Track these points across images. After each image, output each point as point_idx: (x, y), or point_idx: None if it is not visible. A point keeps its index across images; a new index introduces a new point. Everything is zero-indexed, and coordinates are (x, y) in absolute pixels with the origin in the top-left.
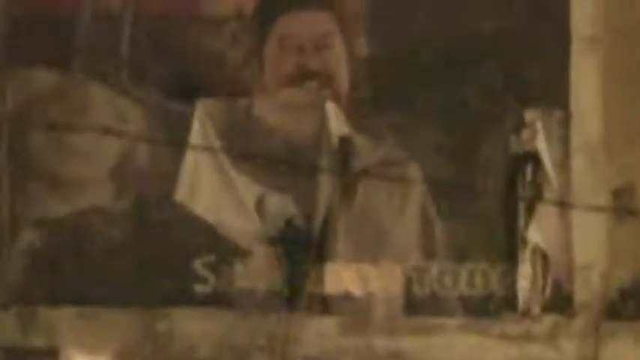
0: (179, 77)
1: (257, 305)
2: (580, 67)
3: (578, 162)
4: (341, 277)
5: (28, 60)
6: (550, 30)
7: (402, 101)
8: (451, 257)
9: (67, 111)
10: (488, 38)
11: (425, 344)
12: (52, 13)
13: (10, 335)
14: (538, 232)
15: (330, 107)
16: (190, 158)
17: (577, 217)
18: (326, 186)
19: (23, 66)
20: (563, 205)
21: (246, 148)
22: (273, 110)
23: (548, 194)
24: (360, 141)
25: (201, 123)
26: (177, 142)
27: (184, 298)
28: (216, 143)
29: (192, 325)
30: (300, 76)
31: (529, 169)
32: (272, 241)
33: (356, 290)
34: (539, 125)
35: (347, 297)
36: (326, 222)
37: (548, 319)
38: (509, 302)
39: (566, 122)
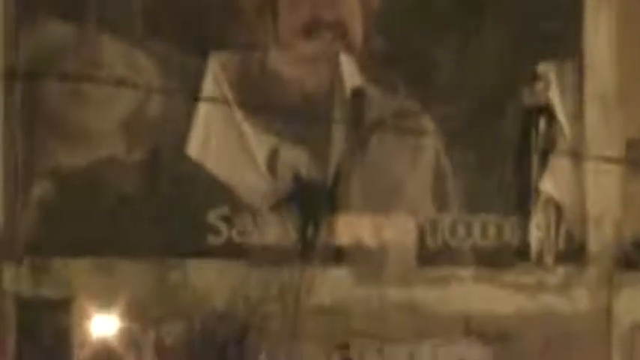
0: (193, 29)
1: (270, 256)
2: (594, 18)
3: (591, 113)
4: (354, 228)
5: (43, 13)
6: None
7: (416, 53)
8: (464, 209)
9: (81, 63)
10: None
11: (438, 294)
12: None
13: (24, 286)
14: (551, 184)
15: (344, 59)
16: (203, 111)
17: (590, 169)
18: (339, 137)
19: (37, 19)
20: (577, 156)
21: (260, 100)
22: (287, 62)
23: (562, 146)
24: (373, 92)
25: (215, 75)
26: (190, 95)
27: (198, 249)
28: (230, 95)
29: (205, 276)
30: (314, 28)
31: (542, 121)
32: (285, 194)
33: (369, 241)
34: (552, 77)
35: (360, 248)
36: (339, 173)
37: (561, 270)
38: (522, 253)
39: (579, 74)
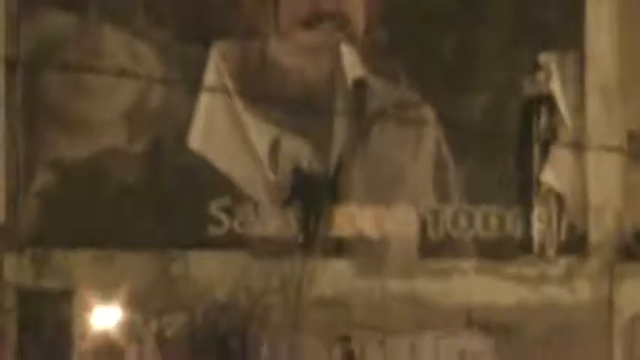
0: (194, 19)
1: (271, 247)
2: (595, 10)
3: (593, 104)
4: (355, 219)
5: (44, 3)
6: None
7: (417, 44)
8: (465, 199)
9: (83, 53)
10: None
11: (439, 286)
12: None
13: (25, 277)
14: (553, 175)
15: (345, 49)
16: (204, 101)
17: (592, 159)
18: (341, 128)
19: (38, 9)
20: (578, 146)
21: (260, 90)
22: (288, 52)
23: (563, 137)
24: (374, 83)
25: (216, 65)
26: (192, 85)
27: (199, 240)
28: (230, 85)
29: (206, 268)
30: (315, 18)
31: (544, 112)
32: (286, 185)
33: (370, 233)
34: (553, 67)
35: (361, 239)
36: (340, 164)
37: (563, 261)
38: (524, 244)
39: (581, 65)
